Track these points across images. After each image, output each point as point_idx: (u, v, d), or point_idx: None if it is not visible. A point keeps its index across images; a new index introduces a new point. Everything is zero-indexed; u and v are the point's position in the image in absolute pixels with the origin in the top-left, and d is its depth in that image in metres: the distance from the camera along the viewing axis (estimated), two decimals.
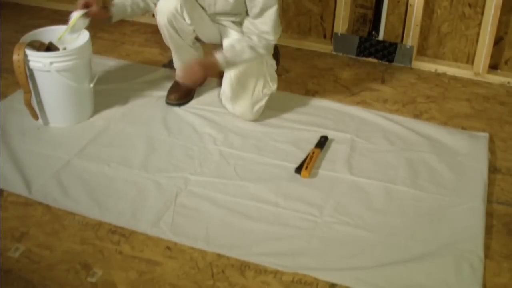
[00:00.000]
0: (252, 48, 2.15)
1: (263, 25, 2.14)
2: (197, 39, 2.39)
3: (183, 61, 2.39)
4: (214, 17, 2.30)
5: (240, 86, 2.31)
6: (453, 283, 1.64)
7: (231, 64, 2.18)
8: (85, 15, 2.16)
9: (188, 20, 2.20)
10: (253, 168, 2.09)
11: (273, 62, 2.37)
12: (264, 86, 2.31)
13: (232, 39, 2.24)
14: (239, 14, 2.25)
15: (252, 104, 2.30)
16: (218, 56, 2.15)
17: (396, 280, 1.65)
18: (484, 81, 2.70)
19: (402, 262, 1.70)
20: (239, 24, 2.29)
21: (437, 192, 1.98)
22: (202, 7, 2.26)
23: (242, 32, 2.29)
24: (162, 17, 2.20)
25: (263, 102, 2.32)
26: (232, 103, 2.34)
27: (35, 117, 2.28)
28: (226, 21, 2.30)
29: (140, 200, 1.94)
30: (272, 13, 2.12)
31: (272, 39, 2.17)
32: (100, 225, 1.84)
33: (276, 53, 2.62)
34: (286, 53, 2.80)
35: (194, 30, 2.26)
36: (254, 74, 2.29)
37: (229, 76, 2.34)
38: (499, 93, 2.62)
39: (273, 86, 2.35)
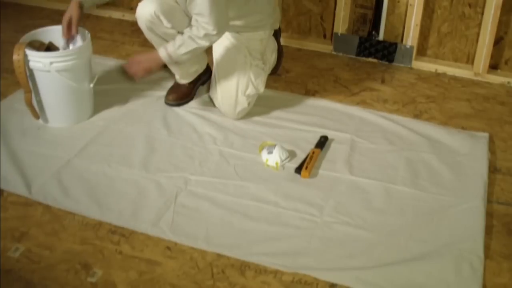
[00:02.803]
0: (191, 39, 2.09)
1: (197, 7, 2.04)
2: None
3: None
4: None
5: (224, 86, 2.30)
6: (453, 283, 1.64)
7: (174, 57, 2.14)
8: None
9: (167, 24, 2.19)
10: (253, 168, 2.09)
11: (259, 62, 2.34)
12: (247, 87, 2.29)
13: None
14: None
15: (235, 105, 2.30)
16: (160, 50, 2.15)
17: (396, 280, 1.65)
18: (484, 81, 2.70)
19: (402, 262, 1.70)
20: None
21: (437, 192, 1.98)
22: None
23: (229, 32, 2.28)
24: (141, 24, 2.22)
25: (245, 104, 2.30)
26: (218, 101, 2.34)
27: (36, 116, 2.28)
28: None
29: (140, 200, 1.94)
30: None
31: (209, 26, 2.03)
32: (100, 225, 1.84)
33: (279, 54, 2.61)
34: (286, 53, 2.80)
35: (178, 32, 2.24)
36: (236, 75, 2.28)
37: (214, 75, 2.34)
38: (499, 93, 2.62)
39: (259, 87, 2.32)
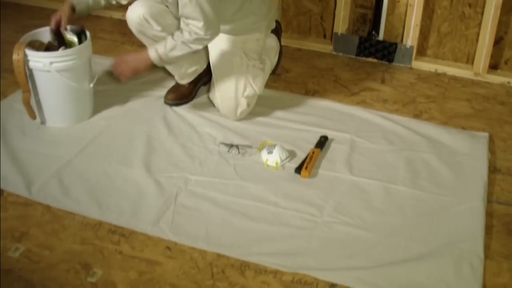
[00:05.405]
0: (184, 43, 2.07)
1: (188, 13, 2.01)
2: None
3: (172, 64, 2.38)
4: None
5: (222, 89, 2.30)
6: (453, 283, 1.64)
7: (164, 59, 2.13)
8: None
9: (156, 27, 2.19)
10: (253, 168, 2.09)
11: (256, 62, 2.33)
12: (245, 89, 2.28)
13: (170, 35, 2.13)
14: None
15: (235, 107, 2.29)
16: (150, 51, 2.12)
17: (396, 280, 1.65)
18: (484, 81, 2.70)
19: (402, 262, 1.70)
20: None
21: (437, 192, 1.98)
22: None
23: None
24: (131, 27, 2.22)
25: (245, 105, 2.30)
26: (218, 104, 2.34)
27: (33, 116, 2.28)
28: None
29: (140, 199, 1.94)
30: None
31: (201, 31, 2.02)
32: (100, 225, 1.84)
33: (279, 53, 2.61)
34: (286, 53, 2.80)
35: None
36: (234, 77, 2.27)
37: (214, 77, 2.33)
38: (499, 93, 2.62)
39: (256, 88, 2.31)
